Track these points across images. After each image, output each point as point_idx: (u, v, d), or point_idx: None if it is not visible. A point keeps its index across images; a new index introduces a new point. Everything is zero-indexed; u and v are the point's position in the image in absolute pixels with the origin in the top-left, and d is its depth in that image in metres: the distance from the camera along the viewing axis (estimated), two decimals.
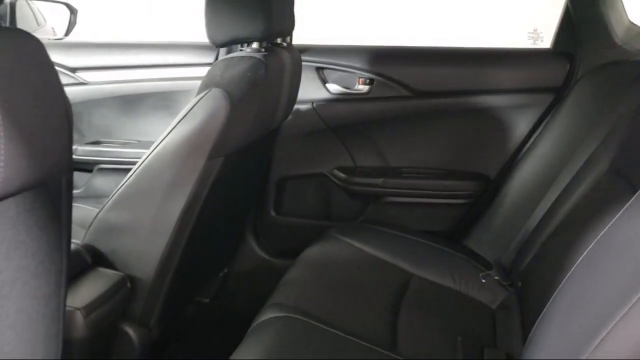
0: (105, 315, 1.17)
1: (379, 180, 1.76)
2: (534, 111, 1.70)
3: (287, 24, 1.42)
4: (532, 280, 1.28)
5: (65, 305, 0.96)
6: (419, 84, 1.74)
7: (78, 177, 1.98)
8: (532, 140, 1.70)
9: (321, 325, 1.15)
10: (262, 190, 1.81)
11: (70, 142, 0.82)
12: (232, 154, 1.28)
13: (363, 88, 1.77)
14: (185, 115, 1.23)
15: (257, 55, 1.27)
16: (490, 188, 1.74)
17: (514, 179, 1.68)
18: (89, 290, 1.16)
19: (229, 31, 1.25)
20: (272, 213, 1.84)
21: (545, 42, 1.81)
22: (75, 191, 1.87)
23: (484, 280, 1.41)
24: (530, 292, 1.27)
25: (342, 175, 1.78)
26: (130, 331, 1.29)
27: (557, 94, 1.68)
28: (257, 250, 1.85)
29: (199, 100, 1.22)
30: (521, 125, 1.71)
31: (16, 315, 0.81)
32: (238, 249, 1.83)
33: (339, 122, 1.80)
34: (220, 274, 1.79)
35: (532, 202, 1.48)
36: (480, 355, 1.16)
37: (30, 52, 0.68)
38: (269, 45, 1.37)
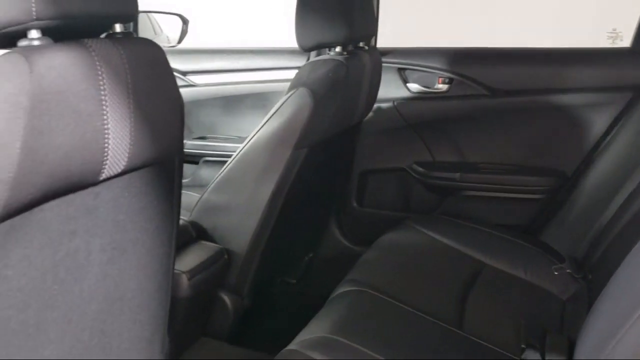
0: (205, 280, 1.37)
1: (456, 175, 1.84)
2: (612, 109, 1.70)
3: (368, 30, 1.56)
4: (602, 273, 1.30)
5: (174, 268, 1.16)
6: (497, 83, 1.80)
7: (186, 168, 2.22)
8: (609, 138, 1.71)
9: (390, 300, 1.27)
10: (345, 182, 1.95)
11: (182, 131, 1.01)
12: (315, 146, 1.43)
13: (442, 87, 1.86)
14: (275, 112, 1.41)
15: (339, 58, 1.42)
16: (566, 184, 1.77)
17: (590, 175, 1.70)
18: (192, 258, 1.37)
19: (315, 37, 1.41)
20: (354, 204, 1.97)
21: (625, 41, 1.79)
22: (183, 180, 2.12)
23: (556, 273, 1.44)
24: (600, 284, 1.30)
25: (420, 169, 1.88)
26: (226, 298, 1.49)
27: (635, 93, 1.68)
28: (340, 238, 1.99)
29: (287, 99, 1.39)
30: (598, 123, 1.72)
31: (137, 270, 1.02)
32: (323, 237, 1.98)
33: (418, 120, 1.90)
34: (306, 258, 1.96)
35: (607, 198, 1.50)
36: (543, 340, 1.21)
37: (155, 57, 0.87)
38: (351, 48, 1.50)
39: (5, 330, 0.77)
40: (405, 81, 1.90)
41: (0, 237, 0.70)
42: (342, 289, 1.32)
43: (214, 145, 2.17)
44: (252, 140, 1.43)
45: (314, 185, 1.65)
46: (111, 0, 0.80)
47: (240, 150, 1.45)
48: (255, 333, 1.70)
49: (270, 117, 1.41)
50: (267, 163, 1.40)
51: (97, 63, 0.74)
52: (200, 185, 2.13)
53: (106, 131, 0.77)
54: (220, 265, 1.43)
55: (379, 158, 1.95)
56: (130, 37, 0.85)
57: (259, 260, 1.49)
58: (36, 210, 0.74)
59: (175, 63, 2.20)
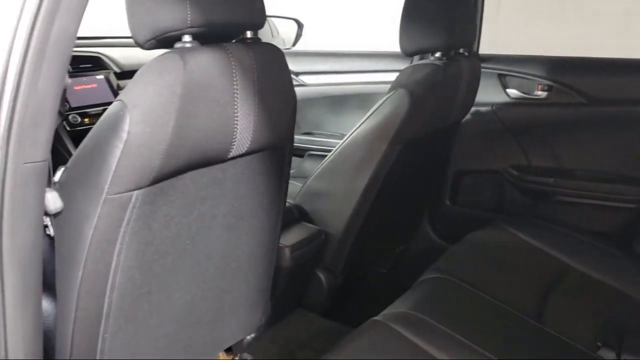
0: (304, 255, 1.55)
1: (551, 180, 1.87)
2: None
3: (468, 37, 1.65)
4: None
5: (278, 241, 1.34)
6: (596, 91, 1.81)
7: (293, 160, 2.43)
8: None
9: (471, 288, 1.36)
10: (439, 181, 2.04)
11: (293, 123, 1.18)
12: (410, 143, 1.55)
13: (541, 94, 1.90)
14: (375, 110, 1.55)
15: (438, 63, 1.53)
16: None
17: None
18: (294, 235, 1.55)
19: (417, 43, 1.53)
20: (448, 202, 2.06)
21: None
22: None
23: None
24: None
25: (515, 172, 1.93)
26: (322, 275, 1.66)
27: None
28: (431, 234, 2.08)
29: (387, 98, 1.52)
30: None
31: (250, 237, 1.20)
32: (414, 231, 2.09)
33: (516, 124, 1.95)
34: (397, 250, 2.07)
35: None
36: (620, 340, 1.24)
37: (277, 59, 1.05)
38: (451, 54, 1.61)
39: (149, 271, 0.97)
40: (505, 87, 1.96)
41: (152, 196, 0.90)
42: (427, 275, 1.43)
43: (319, 141, 2.35)
44: (352, 135, 1.59)
45: (407, 180, 1.76)
46: (245, 11, 0.98)
47: (342, 144, 1.61)
48: (346, 310, 1.85)
49: (370, 114, 1.56)
50: (364, 156, 1.55)
51: (233, 63, 0.93)
52: (303, 177, 2.31)
53: (236, 118, 0.95)
54: (318, 245, 1.60)
55: (474, 159, 2.02)
56: (258, 42, 1.03)
57: (352, 244, 1.64)
58: (179, 177, 0.94)
59: (289, 64, 2.40)
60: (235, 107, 0.94)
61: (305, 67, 2.40)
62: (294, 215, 1.64)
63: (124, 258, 0.90)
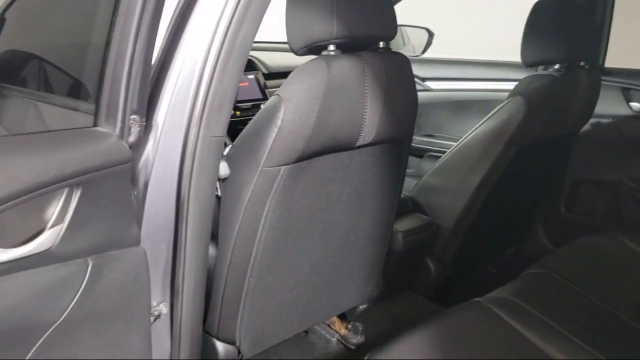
0: (415, 242, 1.72)
1: None
2: None
3: (590, 51, 1.71)
4: None
5: (392, 225, 1.52)
6: None
7: (412, 160, 2.60)
8: None
9: (572, 285, 1.44)
10: (555, 188, 2.09)
11: (413, 121, 1.35)
12: (524, 147, 1.66)
13: None
14: (493, 114, 1.68)
15: (556, 74, 1.62)
16: None
17: None
18: (408, 223, 1.73)
19: (537, 55, 1.63)
20: (562, 209, 2.11)
21: None
22: (408, 170, 2.49)
23: None
24: None
25: (633, 185, 1.94)
26: (431, 264, 1.82)
27: None
28: (544, 240, 2.14)
29: (505, 104, 1.65)
30: None
31: (368, 217, 1.40)
32: (525, 234, 2.16)
33: (637, 137, 1.95)
34: (508, 252, 2.16)
35: None
36: None
37: (403, 66, 1.23)
38: (570, 66, 1.68)
39: (287, 232, 1.21)
40: (628, 100, 1.97)
41: (295, 171, 1.13)
42: (531, 270, 1.53)
43: (438, 143, 2.49)
44: (469, 136, 1.73)
45: (519, 183, 1.86)
46: (379, 26, 1.18)
47: (459, 143, 1.76)
48: (452, 299, 1.99)
49: (488, 118, 1.69)
50: (479, 156, 1.68)
51: (366, 68, 1.13)
52: (421, 176, 2.48)
53: (364, 114, 1.16)
54: (429, 234, 1.76)
55: (592, 169, 2.05)
56: (389, 51, 1.23)
57: (462, 238, 1.78)
58: (315, 159, 1.16)
59: (417, 70, 2.57)
60: (365, 104, 1.14)
61: (431, 74, 2.55)
62: (408, 207, 1.82)
63: (269, 219, 1.14)
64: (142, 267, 0.89)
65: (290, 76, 1.09)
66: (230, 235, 1.14)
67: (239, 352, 1.28)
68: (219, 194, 1.15)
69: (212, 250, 1.19)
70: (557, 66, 1.66)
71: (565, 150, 1.99)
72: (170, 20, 0.98)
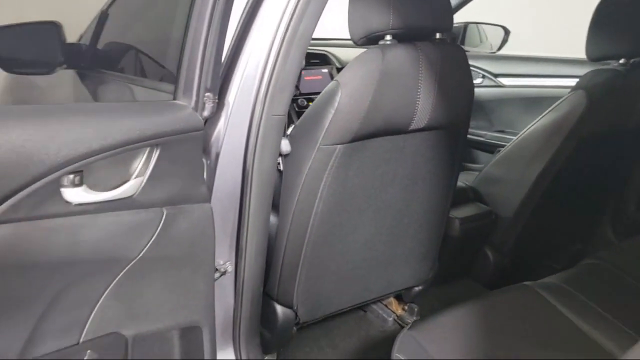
0: (473, 229, 1.77)
1: None
2: None
3: None
4: None
5: (449, 212, 1.59)
6: None
7: (482, 156, 2.62)
8: None
9: (627, 277, 1.44)
10: (626, 185, 2.05)
11: (469, 110, 1.41)
12: (587, 140, 1.67)
13: None
14: (555, 107, 1.69)
15: (620, 68, 1.62)
16: None
17: None
18: (466, 211, 1.78)
19: (602, 50, 1.63)
20: (632, 208, 2.06)
21: None
22: (477, 165, 2.52)
23: None
24: None
25: None
26: (489, 252, 1.86)
27: None
28: (612, 237, 2.10)
29: (566, 98, 1.66)
30: None
31: (421, 200, 1.47)
32: (592, 232, 2.13)
33: None
34: (574, 249, 2.14)
35: None
36: None
37: (458, 57, 1.31)
38: (635, 62, 1.67)
39: (341, 207, 1.31)
40: None
41: (350, 151, 1.23)
42: (587, 260, 1.54)
43: (509, 139, 2.49)
44: (530, 129, 1.76)
45: (585, 178, 1.85)
46: (434, 18, 1.26)
47: (520, 136, 1.79)
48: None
49: (549, 111, 1.71)
50: (539, 147, 1.71)
51: (420, 57, 1.22)
52: None
53: (418, 100, 1.24)
54: (488, 223, 1.81)
55: None
56: (444, 42, 1.30)
57: (521, 228, 1.80)
58: (370, 140, 1.26)
59: (490, 66, 2.60)
60: (419, 91, 1.23)
61: (503, 70, 2.56)
62: (468, 195, 1.87)
63: (325, 193, 1.25)
64: (208, 222, 1.03)
65: (349, 64, 1.20)
66: (290, 206, 1.27)
67: (296, 315, 1.41)
68: (282, 168, 1.28)
69: (273, 219, 1.32)
70: (622, 61, 1.65)
71: (633, 147, 1.95)
72: (241, 16, 1.12)
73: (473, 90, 1.38)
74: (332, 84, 1.20)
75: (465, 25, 2.60)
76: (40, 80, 1.79)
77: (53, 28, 1.35)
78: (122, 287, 0.92)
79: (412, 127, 1.29)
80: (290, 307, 1.40)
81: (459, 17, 2.36)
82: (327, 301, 1.45)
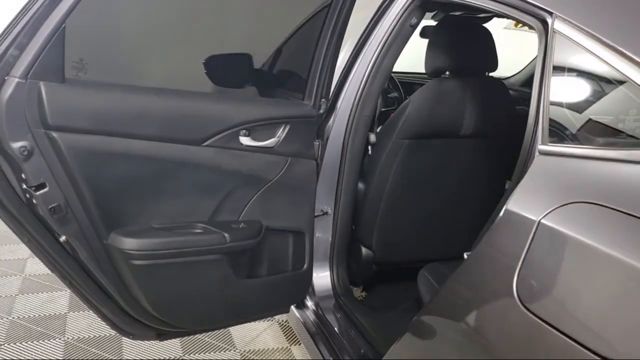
0: None
1: None
2: None
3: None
4: None
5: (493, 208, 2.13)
6: None
7: None
8: None
9: None
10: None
11: (510, 128, 1.97)
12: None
13: None
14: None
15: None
16: None
17: None
18: None
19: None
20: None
21: None
22: None
23: None
24: None
25: None
26: None
27: None
28: None
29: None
30: None
31: (467, 198, 2.04)
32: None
33: None
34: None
35: None
36: None
37: (497, 87, 1.91)
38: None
39: (404, 187, 1.97)
40: None
41: (413, 146, 1.87)
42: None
43: None
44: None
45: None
46: (481, 62, 1.88)
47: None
48: None
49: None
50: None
51: (466, 86, 1.83)
52: None
53: (465, 113, 1.83)
54: None
55: None
56: (489, 77, 1.91)
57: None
58: (428, 140, 1.89)
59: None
60: (465, 107, 1.84)
61: None
62: None
63: (393, 175, 1.90)
64: (312, 171, 1.76)
65: (419, 89, 1.89)
66: (372, 178, 1.96)
67: (374, 255, 2.08)
68: (370, 153, 2.01)
69: (361, 185, 2.04)
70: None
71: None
72: (351, 54, 1.88)
73: (509, 108, 1.92)
74: (406, 101, 1.89)
75: None
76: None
77: (246, 58, 1.88)
78: (262, 196, 1.69)
79: (462, 132, 1.89)
80: (370, 248, 2.08)
81: None
82: (398, 249, 2.09)
